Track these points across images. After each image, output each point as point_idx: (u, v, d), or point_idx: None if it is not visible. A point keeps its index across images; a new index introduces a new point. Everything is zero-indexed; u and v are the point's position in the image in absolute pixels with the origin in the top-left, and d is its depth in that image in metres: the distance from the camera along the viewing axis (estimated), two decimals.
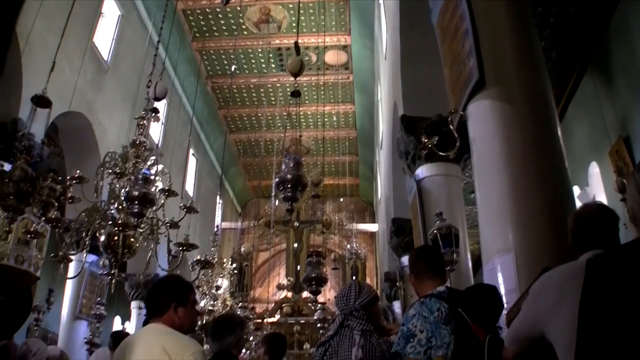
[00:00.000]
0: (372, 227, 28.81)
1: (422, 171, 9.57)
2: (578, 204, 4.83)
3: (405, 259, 12.37)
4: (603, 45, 10.83)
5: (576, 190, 11.15)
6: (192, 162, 23.87)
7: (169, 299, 3.64)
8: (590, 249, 2.81)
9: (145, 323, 3.85)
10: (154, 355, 3.31)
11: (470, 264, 8.58)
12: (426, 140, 7.38)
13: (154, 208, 6.68)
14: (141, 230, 6.68)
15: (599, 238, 2.87)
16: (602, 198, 10.98)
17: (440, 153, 7.09)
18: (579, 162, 11.99)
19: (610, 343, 2.07)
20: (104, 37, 15.89)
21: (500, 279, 4.71)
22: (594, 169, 11.68)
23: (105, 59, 15.83)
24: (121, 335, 7.08)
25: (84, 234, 6.82)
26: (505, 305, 3.98)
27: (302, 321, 23.23)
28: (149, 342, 3.43)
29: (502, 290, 4.53)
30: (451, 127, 6.22)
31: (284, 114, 22.73)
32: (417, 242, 9.86)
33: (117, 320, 24.75)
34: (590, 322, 2.19)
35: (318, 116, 23.12)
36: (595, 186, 11.67)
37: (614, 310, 2.09)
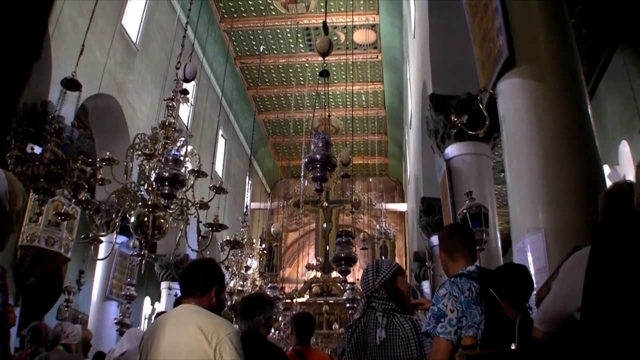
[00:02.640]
0: (402, 207, 28.75)
1: (451, 150, 9.52)
2: (608, 182, 4.80)
3: (434, 239, 12.35)
4: (634, 22, 10.68)
5: (606, 169, 11.05)
6: (221, 142, 23.95)
7: (212, 281, 3.72)
8: None
9: (177, 301, 3.89)
10: (189, 334, 3.38)
11: (499, 244, 8.55)
12: (456, 119, 7.33)
13: (184, 189, 6.72)
14: (171, 211, 6.72)
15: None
16: (632, 177, 10.86)
17: (470, 132, 7.05)
18: (610, 141, 11.87)
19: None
20: (133, 19, 15.93)
21: (530, 259, 4.69)
22: (625, 148, 11.55)
23: (134, 40, 15.87)
24: None
25: (114, 215, 6.89)
26: (535, 285, 3.97)
27: (331, 301, 23.31)
28: (184, 321, 3.49)
29: (532, 270, 4.51)
30: (481, 106, 6.18)
31: (313, 93, 22.67)
32: (446, 222, 9.85)
33: (147, 300, 25.02)
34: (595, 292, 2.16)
35: (347, 95, 23.08)
36: (625, 165, 11.55)
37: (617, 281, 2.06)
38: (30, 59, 0.66)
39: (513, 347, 3.23)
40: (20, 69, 0.65)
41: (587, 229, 4.18)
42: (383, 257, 21.25)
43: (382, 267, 4.21)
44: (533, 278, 4.14)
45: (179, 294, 3.88)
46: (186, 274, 3.84)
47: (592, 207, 3.27)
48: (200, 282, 3.70)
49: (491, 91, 5.80)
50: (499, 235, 8.60)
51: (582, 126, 5.01)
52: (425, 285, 15.15)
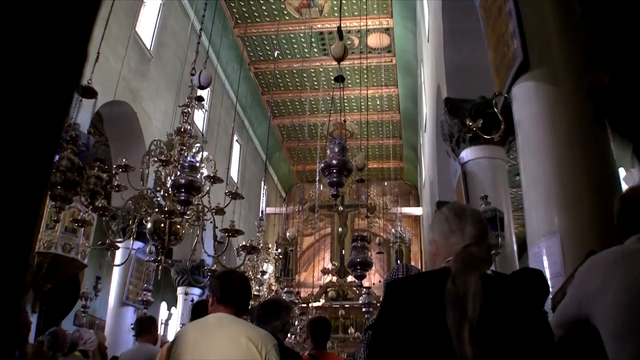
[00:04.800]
0: (417, 211, 28.66)
1: (466, 154, 9.49)
2: (624, 186, 4.77)
3: None
4: None
5: (622, 172, 10.96)
6: (236, 148, 24.02)
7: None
8: (636, 232, 2.78)
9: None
10: (241, 345, 3.51)
11: (515, 248, 8.51)
12: (471, 123, 7.34)
13: (200, 195, 6.75)
14: (187, 217, 6.76)
15: None
16: None
17: (485, 136, 7.04)
18: (625, 143, 11.77)
19: None
20: (147, 26, 16.00)
21: (546, 263, 4.68)
22: None
23: (149, 47, 15.95)
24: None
25: (130, 222, 6.95)
26: (550, 290, 3.96)
27: (347, 305, 23.26)
28: (233, 332, 3.60)
29: (548, 274, 4.50)
30: (495, 110, 6.17)
31: (327, 97, 22.68)
32: None
33: (164, 306, 25.09)
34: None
35: (361, 99, 23.04)
36: None
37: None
38: (71, 91, 0.68)
39: None
40: (62, 102, 0.67)
41: (603, 233, 4.19)
42: (398, 262, 21.21)
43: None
44: (549, 282, 4.14)
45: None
46: (244, 290, 3.96)
47: (608, 211, 3.26)
48: (248, 303, 4.00)
49: (506, 95, 5.79)
50: (514, 239, 8.57)
51: (596, 129, 4.99)
52: None
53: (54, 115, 0.64)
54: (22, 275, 0.64)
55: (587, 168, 4.77)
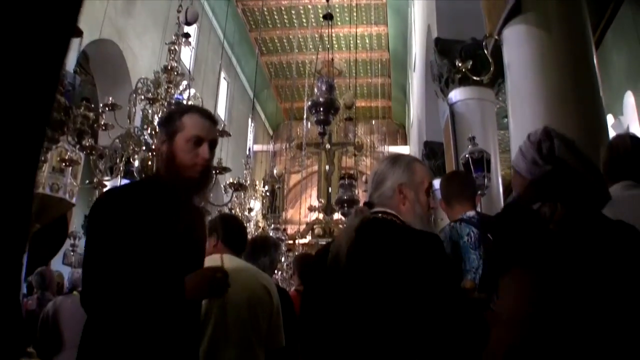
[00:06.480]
0: (404, 150, 28.61)
1: (455, 95, 9.48)
2: (612, 132, 4.79)
3: (437, 182, 12.35)
4: None
5: (610, 119, 10.99)
6: (223, 85, 23.83)
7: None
8: (621, 179, 2.81)
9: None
10: (262, 288, 3.77)
11: (501, 189, 8.57)
12: (460, 64, 7.32)
13: None
14: None
15: (630, 169, 2.87)
16: (635, 128, 10.83)
17: (474, 77, 7.03)
18: (615, 91, 11.77)
19: None
20: None
21: None
22: (629, 99, 11.44)
23: None
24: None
25: (118, 160, 6.93)
26: None
27: None
28: (251, 274, 3.86)
29: None
30: (485, 51, 6.15)
31: (316, 35, 22.48)
32: (449, 166, 9.86)
33: None
34: None
35: (350, 38, 22.86)
36: (629, 115, 11.47)
37: None
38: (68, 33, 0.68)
39: None
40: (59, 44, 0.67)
41: None
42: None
43: None
44: None
45: None
46: (244, 234, 4.25)
47: (595, 157, 3.28)
48: (245, 246, 4.26)
49: (496, 37, 5.77)
50: (500, 181, 8.63)
51: (587, 76, 4.99)
52: None
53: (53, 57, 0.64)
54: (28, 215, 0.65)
55: (575, 114, 4.78)
